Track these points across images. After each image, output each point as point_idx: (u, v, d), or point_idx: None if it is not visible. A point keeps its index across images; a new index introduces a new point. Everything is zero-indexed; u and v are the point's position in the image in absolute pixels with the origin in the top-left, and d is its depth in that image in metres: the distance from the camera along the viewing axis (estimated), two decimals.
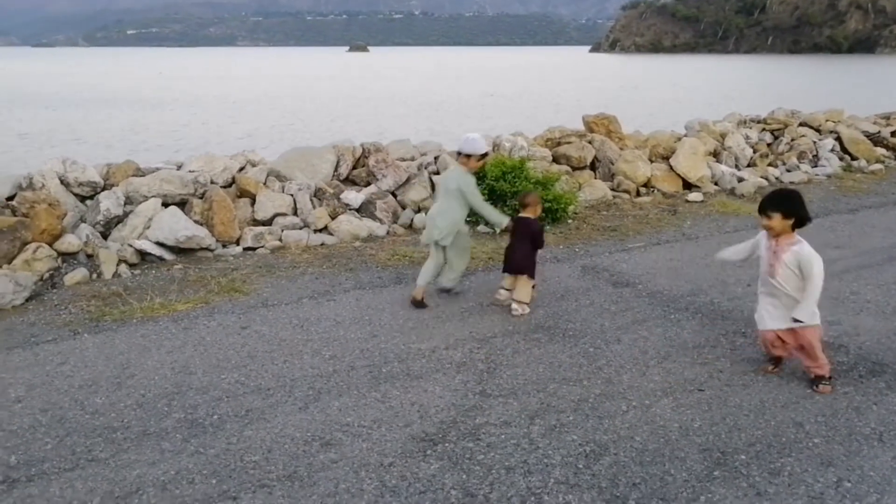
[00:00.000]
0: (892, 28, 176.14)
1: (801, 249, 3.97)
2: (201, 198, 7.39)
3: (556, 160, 9.70)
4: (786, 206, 3.98)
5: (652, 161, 10.10)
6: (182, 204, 7.30)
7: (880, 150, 12.24)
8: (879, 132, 12.75)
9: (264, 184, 7.99)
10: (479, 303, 5.58)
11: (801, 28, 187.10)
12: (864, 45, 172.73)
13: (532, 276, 5.38)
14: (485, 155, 5.53)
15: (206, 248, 6.95)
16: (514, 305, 5.31)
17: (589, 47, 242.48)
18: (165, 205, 7.18)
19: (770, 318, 4.12)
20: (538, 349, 4.67)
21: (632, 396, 3.99)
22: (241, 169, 8.17)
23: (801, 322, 3.97)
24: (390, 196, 8.27)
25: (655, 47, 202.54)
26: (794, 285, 3.99)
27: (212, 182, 7.65)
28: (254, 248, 7.12)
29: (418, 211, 8.20)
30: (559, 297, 5.72)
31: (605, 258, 6.86)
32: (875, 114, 15.13)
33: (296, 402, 3.97)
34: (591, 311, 5.40)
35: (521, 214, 5.56)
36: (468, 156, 5.44)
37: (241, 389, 4.14)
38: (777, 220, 3.98)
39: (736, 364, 4.44)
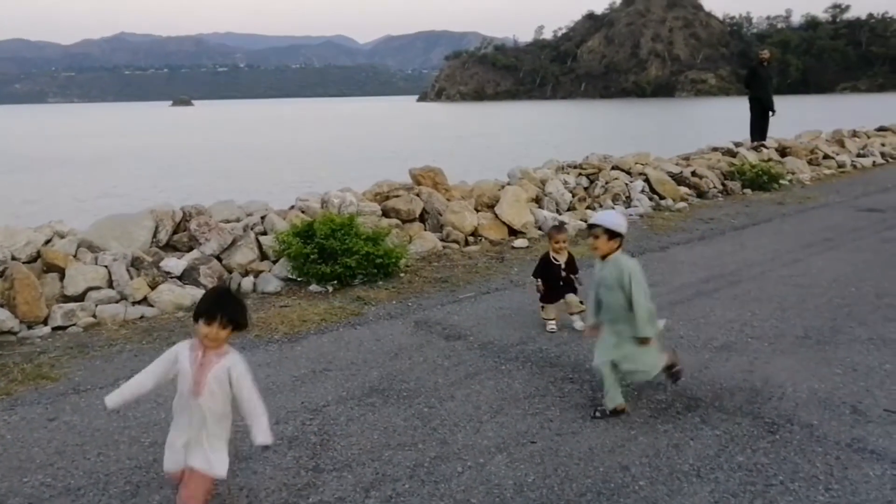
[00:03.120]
0: (686, 74, 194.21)
1: (232, 361, 3.18)
2: (0, 276, 6.77)
3: (385, 214, 9.74)
4: (226, 312, 3.10)
5: (478, 210, 10.37)
6: None
7: (684, 189, 13.25)
8: (682, 172, 13.83)
9: (75, 256, 7.44)
10: (311, 370, 5.42)
11: (609, 75, 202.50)
12: (664, 89, 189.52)
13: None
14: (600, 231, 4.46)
15: (9, 332, 6.33)
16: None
17: (416, 97, 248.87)
18: None
19: (178, 454, 3.17)
20: (373, 414, 4.58)
21: (466, 456, 3.98)
22: (48, 241, 7.59)
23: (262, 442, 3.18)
24: (215, 260, 7.95)
25: (479, 95, 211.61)
26: (222, 407, 3.17)
27: (13, 258, 7.03)
28: (64, 327, 6.58)
29: (246, 274, 7.93)
30: (393, 356, 5.67)
31: (438, 311, 6.90)
32: (677, 155, 16.45)
33: (111, 502, 3.64)
34: (425, 368, 5.38)
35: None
36: None
37: (47, 493, 3.75)
38: (214, 329, 3.08)
39: (565, 411, 4.55)
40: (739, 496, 3.53)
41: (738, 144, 17.52)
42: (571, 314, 6.24)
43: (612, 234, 4.37)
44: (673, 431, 4.23)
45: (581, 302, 6.15)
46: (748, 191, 14.06)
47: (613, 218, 4.49)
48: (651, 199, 12.57)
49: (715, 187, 13.89)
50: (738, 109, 28.59)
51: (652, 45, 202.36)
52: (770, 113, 18.17)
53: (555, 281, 6.25)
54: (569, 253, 6.39)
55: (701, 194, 13.46)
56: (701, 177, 13.94)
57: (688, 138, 28.72)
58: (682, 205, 12.59)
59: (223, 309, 3.08)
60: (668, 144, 24.55)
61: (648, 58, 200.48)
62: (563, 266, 6.27)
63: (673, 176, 13.53)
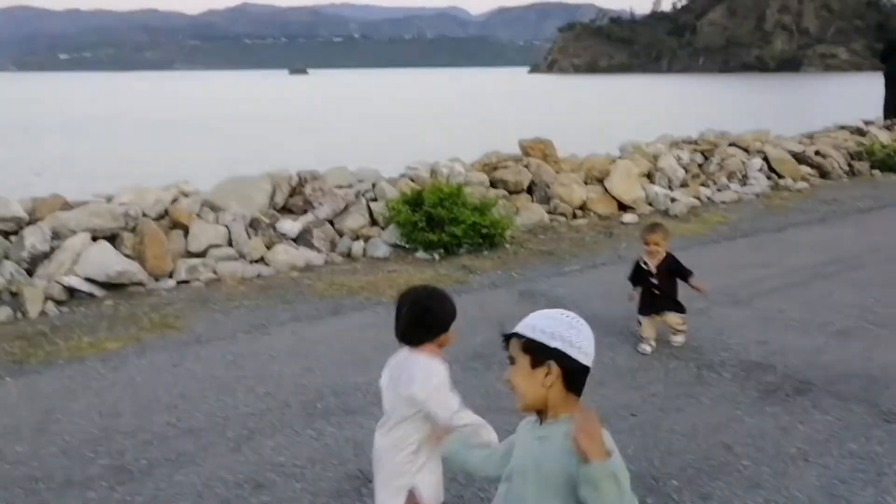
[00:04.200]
0: (815, 48, 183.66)
1: None
2: (132, 231, 7.23)
3: (493, 185, 9.77)
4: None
5: (587, 184, 10.26)
6: (112, 238, 7.12)
7: (805, 169, 12.67)
8: (804, 151, 13.21)
9: (198, 215, 7.85)
10: None
11: (730, 48, 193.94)
12: (790, 64, 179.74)
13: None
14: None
15: (138, 283, 6.78)
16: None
17: (528, 68, 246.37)
18: (95, 239, 7.00)
19: None
20: (475, 378, 4.67)
21: None
22: (174, 200, 8.02)
23: None
24: (328, 224, 8.22)
25: (592, 67, 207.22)
26: None
27: (143, 215, 7.49)
28: (187, 282, 6.98)
29: (356, 239, 8.16)
30: (496, 324, 5.71)
31: (543, 282, 6.92)
32: (800, 133, 15.69)
33: (228, 443, 3.89)
34: None
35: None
36: None
37: (172, 431, 4.04)
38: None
39: (669, 388, 4.51)
40: (849, 482, 3.42)
41: (868, 123, 16.54)
42: (672, 331, 5.27)
43: (540, 354, 1.89)
44: (781, 414, 4.13)
45: (682, 323, 5.23)
46: (877, 172, 13.30)
47: (543, 319, 1.96)
48: (769, 177, 12.09)
49: (840, 167, 13.21)
50: (871, 86, 26.93)
51: (779, 16, 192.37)
52: None
53: (647, 290, 5.23)
54: (668, 254, 5.19)
55: (824, 174, 12.84)
56: (825, 156, 13.29)
57: (813, 116, 27.27)
58: (802, 185, 12.06)
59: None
60: (792, 122, 23.42)
61: (774, 31, 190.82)
62: (652, 272, 5.17)
63: (794, 155, 12.94)
